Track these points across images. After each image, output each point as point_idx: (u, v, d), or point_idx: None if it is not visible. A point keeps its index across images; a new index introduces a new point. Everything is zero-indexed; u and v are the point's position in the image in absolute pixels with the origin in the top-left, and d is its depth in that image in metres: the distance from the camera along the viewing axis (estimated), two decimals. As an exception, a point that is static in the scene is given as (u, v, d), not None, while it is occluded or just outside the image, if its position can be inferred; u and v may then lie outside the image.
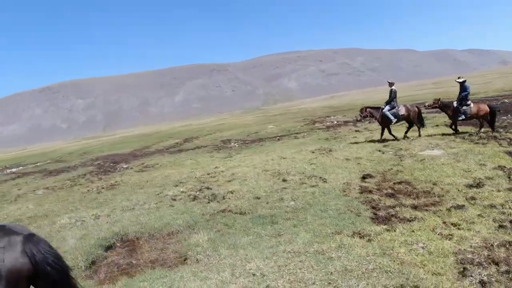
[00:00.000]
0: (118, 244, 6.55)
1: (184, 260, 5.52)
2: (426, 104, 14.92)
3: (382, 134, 14.05)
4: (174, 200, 8.80)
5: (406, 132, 13.91)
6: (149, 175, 13.02)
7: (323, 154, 12.66)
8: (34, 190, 14.20)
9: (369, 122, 18.07)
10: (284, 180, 9.45)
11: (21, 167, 31.23)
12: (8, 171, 30.28)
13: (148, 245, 6.35)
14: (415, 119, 13.68)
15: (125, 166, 16.85)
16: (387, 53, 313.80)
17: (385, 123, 13.78)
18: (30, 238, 3.15)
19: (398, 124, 14.60)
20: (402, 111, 13.59)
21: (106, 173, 15.80)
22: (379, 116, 13.78)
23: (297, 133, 21.66)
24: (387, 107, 13.60)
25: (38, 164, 30.77)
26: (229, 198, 8.33)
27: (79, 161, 24.42)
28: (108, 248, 6.40)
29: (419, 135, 13.56)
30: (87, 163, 22.08)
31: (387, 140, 13.63)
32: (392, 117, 13.50)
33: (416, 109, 13.76)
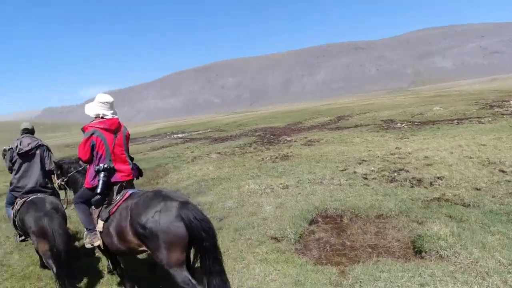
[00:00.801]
0: (320, 219, 5.92)
1: (417, 252, 4.52)
2: None
3: None
4: (366, 179, 7.83)
5: None
6: (319, 149, 12.38)
7: (538, 144, 10.05)
8: (208, 154, 15.08)
9: None
10: (502, 171, 7.56)
11: (185, 134, 34.85)
12: (175, 136, 34.14)
13: (356, 226, 5.54)
14: None
15: (288, 138, 16.69)
16: None
17: None
18: (185, 205, 3.31)
19: None
20: None
21: (271, 144, 15.85)
22: None
23: (478, 117, 18.35)
24: None
25: (200, 132, 33.80)
26: (439, 185, 6.95)
27: (239, 131, 25.65)
28: (311, 222, 5.82)
29: None
30: (248, 133, 22.92)
31: None
32: None
33: None
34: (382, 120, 21.33)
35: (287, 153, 12.45)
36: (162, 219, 3.23)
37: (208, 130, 33.60)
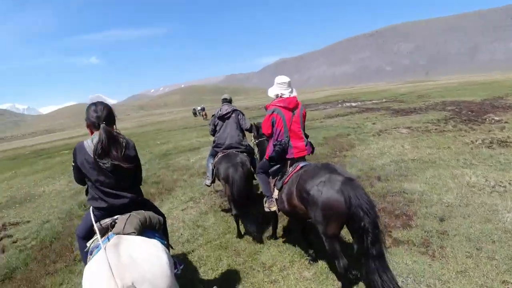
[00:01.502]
0: None
1: None
2: None
3: None
4: None
5: None
6: (553, 136, 9.47)
7: None
8: (395, 128, 13.54)
9: None
10: None
11: (359, 102, 33.14)
12: (347, 104, 32.81)
13: None
14: None
15: (496, 118, 13.56)
16: None
17: None
18: (349, 181, 3.34)
19: None
20: None
21: (473, 122, 13.15)
22: None
23: None
24: None
25: (375, 101, 31.62)
26: None
27: (422, 104, 22.76)
28: None
29: None
30: (435, 107, 20.00)
31: None
32: None
33: None
34: None
35: (503, 137, 9.96)
36: (325, 190, 3.38)
37: (384, 100, 31.19)
